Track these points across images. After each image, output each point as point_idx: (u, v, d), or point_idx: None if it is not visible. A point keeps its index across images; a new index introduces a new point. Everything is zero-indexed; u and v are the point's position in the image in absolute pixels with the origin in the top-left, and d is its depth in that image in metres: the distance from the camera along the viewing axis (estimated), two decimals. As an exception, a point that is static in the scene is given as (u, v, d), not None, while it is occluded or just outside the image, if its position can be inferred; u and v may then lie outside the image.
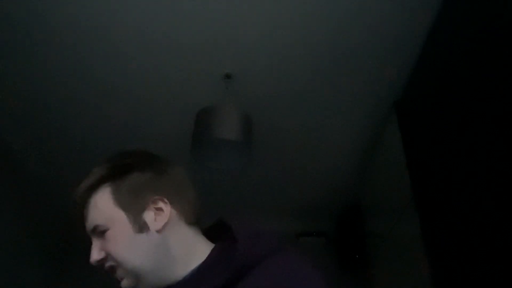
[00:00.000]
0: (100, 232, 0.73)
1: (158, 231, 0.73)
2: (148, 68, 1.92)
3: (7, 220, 2.39)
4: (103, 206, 0.74)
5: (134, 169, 0.77)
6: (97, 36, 1.77)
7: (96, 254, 0.73)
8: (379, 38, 1.75)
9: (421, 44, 1.76)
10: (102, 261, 0.72)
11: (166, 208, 0.74)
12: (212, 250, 0.72)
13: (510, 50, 1.16)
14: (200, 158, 1.85)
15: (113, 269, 0.72)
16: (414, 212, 1.75)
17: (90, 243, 0.75)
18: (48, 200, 2.81)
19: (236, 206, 2.86)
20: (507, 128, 1.15)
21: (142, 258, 0.71)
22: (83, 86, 2.03)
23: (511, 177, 1.12)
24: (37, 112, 2.19)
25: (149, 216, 0.73)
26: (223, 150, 1.86)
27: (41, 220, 2.77)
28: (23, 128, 2.32)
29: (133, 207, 0.73)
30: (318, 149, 2.44)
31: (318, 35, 1.75)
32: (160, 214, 0.74)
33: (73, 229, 3.03)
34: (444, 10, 1.59)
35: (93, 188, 0.75)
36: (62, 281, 2.83)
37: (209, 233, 0.80)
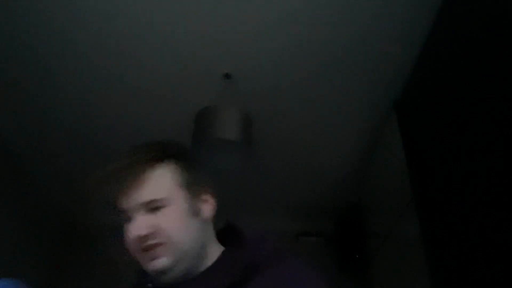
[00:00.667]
0: (155, 208, 0.71)
1: (204, 220, 0.76)
2: (147, 68, 1.92)
3: (7, 219, 2.39)
4: (167, 182, 0.73)
5: (190, 156, 0.80)
6: (97, 36, 1.77)
7: (143, 229, 0.69)
8: (379, 38, 1.75)
9: (421, 44, 1.76)
10: (145, 238, 0.69)
11: (212, 201, 0.78)
12: (222, 253, 0.75)
13: (510, 50, 1.16)
14: (200, 158, 1.85)
15: (151, 248, 0.69)
16: (414, 212, 1.75)
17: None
18: (48, 200, 2.82)
19: (236, 206, 2.85)
20: (507, 128, 1.15)
21: (191, 241, 0.72)
22: (83, 86, 2.03)
23: (511, 177, 1.12)
24: (37, 111, 2.19)
25: (202, 204, 0.76)
26: (223, 150, 1.86)
27: (41, 219, 2.77)
28: (23, 128, 2.32)
29: (194, 192, 0.75)
30: (318, 149, 2.44)
31: (318, 34, 1.75)
32: (209, 206, 0.77)
33: (73, 228, 3.02)
34: (444, 10, 1.59)
35: (157, 160, 0.74)
36: (62, 280, 2.83)
37: (218, 236, 0.81)
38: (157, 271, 0.69)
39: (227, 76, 1.92)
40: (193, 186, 0.75)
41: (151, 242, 0.69)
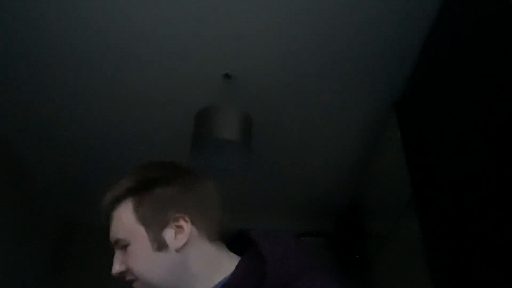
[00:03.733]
0: (122, 246, 0.73)
1: (177, 250, 0.71)
2: (147, 68, 1.92)
3: (7, 219, 2.39)
4: (125, 221, 0.73)
5: (158, 183, 0.76)
6: (98, 37, 1.77)
7: (117, 266, 0.73)
8: (379, 38, 1.75)
9: (421, 44, 1.76)
10: (123, 274, 0.73)
11: (187, 227, 0.73)
12: (238, 267, 0.70)
13: (510, 50, 1.16)
14: (200, 158, 1.85)
15: (132, 281, 0.73)
16: (414, 212, 1.75)
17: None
18: (48, 200, 2.81)
19: (236, 206, 2.85)
20: (507, 127, 1.15)
21: (161, 276, 0.70)
22: (83, 86, 2.03)
23: (511, 177, 1.12)
24: (37, 111, 2.19)
25: (169, 234, 0.72)
26: (223, 150, 1.86)
27: (41, 219, 2.77)
28: (24, 128, 2.32)
29: (154, 224, 0.72)
30: (318, 149, 2.44)
31: (318, 35, 1.75)
32: (181, 233, 0.72)
33: (73, 228, 3.01)
34: (444, 10, 1.59)
35: (118, 200, 0.75)
36: (62, 281, 2.83)
37: (231, 244, 0.78)
38: None
39: (227, 76, 1.92)
40: (155, 219, 0.73)
41: (127, 278, 0.73)
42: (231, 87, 1.95)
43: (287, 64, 1.89)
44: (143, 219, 0.73)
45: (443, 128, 1.57)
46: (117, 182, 0.77)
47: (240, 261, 0.71)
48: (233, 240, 0.78)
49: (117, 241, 0.73)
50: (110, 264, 0.74)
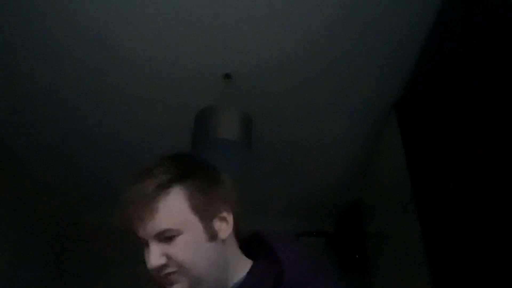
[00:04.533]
0: (168, 237, 0.68)
1: (223, 241, 0.71)
2: (147, 68, 1.92)
3: (7, 220, 2.39)
4: (178, 209, 0.69)
5: (202, 174, 0.74)
6: (97, 36, 1.77)
7: (157, 260, 0.68)
8: (379, 38, 1.75)
9: (421, 44, 1.76)
10: (160, 268, 0.68)
11: (230, 218, 0.73)
12: (254, 267, 0.70)
13: (510, 51, 1.16)
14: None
15: (168, 275, 0.68)
16: (414, 212, 1.75)
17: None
18: (48, 200, 2.81)
19: (236, 206, 2.85)
20: (508, 128, 1.15)
21: (208, 267, 0.69)
22: (83, 86, 2.03)
23: (511, 177, 1.12)
24: (37, 111, 2.19)
25: (217, 224, 0.72)
26: (223, 150, 1.86)
27: (41, 220, 2.76)
28: (23, 128, 2.32)
29: (207, 214, 0.71)
30: (318, 149, 2.44)
31: (318, 35, 1.75)
32: (226, 224, 0.72)
33: (73, 229, 3.01)
34: (444, 10, 1.59)
35: (165, 187, 0.70)
36: (62, 281, 2.83)
37: (243, 246, 0.78)
38: None
39: (227, 76, 1.92)
40: (207, 208, 0.71)
41: (167, 271, 0.68)
42: (231, 87, 1.95)
43: (287, 64, 1.89)
44: (197, 208, 0.70)
45: (443, 129, 1.57)
46: (155, 169, 0.72)
47: (255, 264, 0.72)
48: (247, 242, 0.78)
49: (163, 232, 0.68)
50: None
